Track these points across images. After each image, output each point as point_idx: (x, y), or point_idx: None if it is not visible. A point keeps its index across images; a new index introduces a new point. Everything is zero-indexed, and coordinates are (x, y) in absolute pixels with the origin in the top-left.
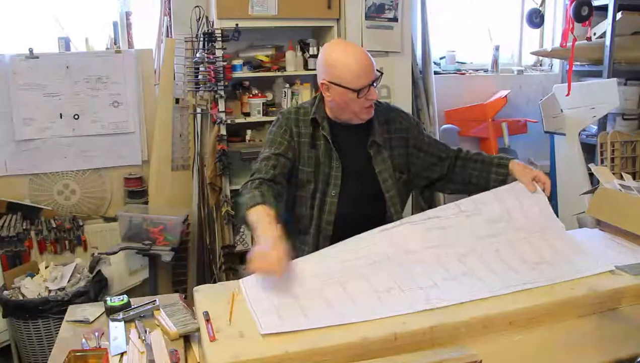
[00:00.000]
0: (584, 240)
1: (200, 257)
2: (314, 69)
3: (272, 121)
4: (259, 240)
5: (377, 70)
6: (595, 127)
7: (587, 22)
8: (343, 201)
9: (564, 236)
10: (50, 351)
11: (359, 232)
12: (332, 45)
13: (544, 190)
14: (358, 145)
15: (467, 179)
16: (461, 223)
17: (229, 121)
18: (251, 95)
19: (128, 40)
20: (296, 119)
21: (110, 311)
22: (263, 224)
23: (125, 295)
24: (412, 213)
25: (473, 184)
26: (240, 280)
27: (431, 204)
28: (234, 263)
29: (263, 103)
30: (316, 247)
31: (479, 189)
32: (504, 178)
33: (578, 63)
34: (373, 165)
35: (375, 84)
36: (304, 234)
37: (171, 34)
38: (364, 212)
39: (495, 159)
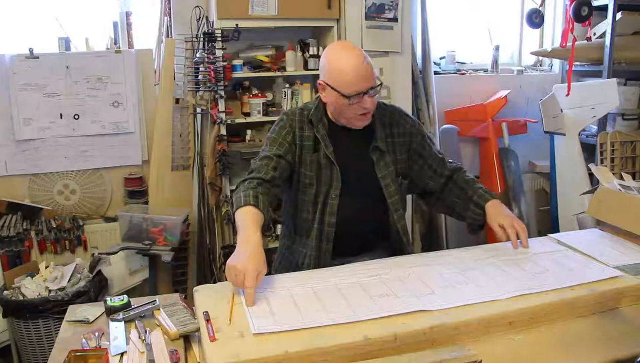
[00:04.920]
0: (585, 243)
1: (200, 257)
2: (314, 69)
3: (272, 121)
4: (239, 246)
5: (377, 79)
6: (595, 127)
7: (587, 22)
8: (345, 204)
9: (568, 254)
10: (50, 351)
11: (362, 236)
12: (334, 46)
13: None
14: (360, 149)
15: (452, 206)
16: (460, 253)
17: (229, 121)
18: (251, 95)
19: (128, 40)
20: (300, 120)
21: (110, 311)
22: (246, 227)
23: (125, 295)
24: (413, 216)
25: (456, 213)
26: None
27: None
28: None
29: (263, 103)
30: (319, 250)
31: (461, 220)
32: (480, 218)
33: (578, 63)
34: (375, 171)
35: (371, 93)
36: (307, 238)
37: (171, 34)
38: (366, 215)
39: (475, 196)
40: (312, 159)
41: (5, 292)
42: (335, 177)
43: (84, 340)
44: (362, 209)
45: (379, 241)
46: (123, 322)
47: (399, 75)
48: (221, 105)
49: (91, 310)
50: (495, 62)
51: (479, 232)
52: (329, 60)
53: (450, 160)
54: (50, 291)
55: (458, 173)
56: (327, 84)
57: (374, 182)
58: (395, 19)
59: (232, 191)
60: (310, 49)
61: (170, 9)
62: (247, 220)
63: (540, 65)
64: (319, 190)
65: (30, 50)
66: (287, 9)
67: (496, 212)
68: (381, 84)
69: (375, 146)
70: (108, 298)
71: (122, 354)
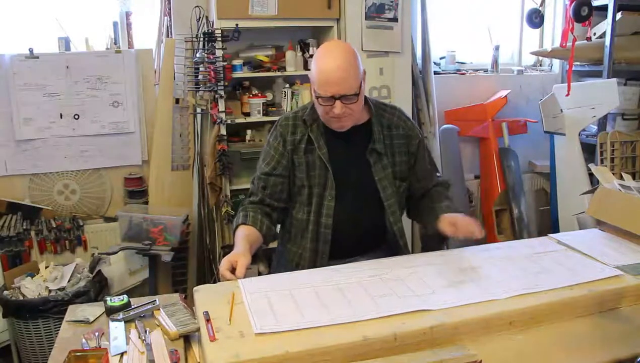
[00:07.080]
0: (585, 243)
1: (200, 257)
2: None
3: (272, 121)
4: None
5: (356, 88)
6: (595, 127)
7: (587, 22)
8: (341, 205)
9: (568, 254)
10: (50, 351)
11: (359, 239)
12: (325, 44)
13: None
14: (357, 151)
15: (420, 216)
16: (460, 252)
17: (229, 121)
18: (251, 95)
19: (128, 40)
20: (294, 125)
21: (110, 311)
22: (238, 239)
23: (125, 295)
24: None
25: (423, 224)
26: (239, 280)
27: None
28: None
29: (263, 103)
30: (315, 252)
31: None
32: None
33: (578, 63)
34: (372, 173)
35: (343, 100)
36: (302, 238)
37: (171, 34)
38: (363, 219)
39: (438, 209)
40: (303, 161)
41: (5, 292)
42: (330, 179)
43: (84, 340)
44: (358, 211)
45: (376, 243)
46: (123, 322)
47: (399, 75)
48: (221, 105)
49: (91, 310)
50: (495, 62)
51: (441, 245)
52: (315, 56)
53: (439, 174)
54: (50, 291)
55: (436, 187)
56: (311, 80)
57: (371, 184)
58: (395, 19)
59: (232, 191)
60: (310, 49)
61: (170, 9)
62: (237, 237)
63: (540, 65)
64: (312, 192)
65: (30, 50)
66: (287, 9)
67: (443, 218)
68: (358, 94)
69: (372, 148)
70: (108, 298)
71: (122, 354)
